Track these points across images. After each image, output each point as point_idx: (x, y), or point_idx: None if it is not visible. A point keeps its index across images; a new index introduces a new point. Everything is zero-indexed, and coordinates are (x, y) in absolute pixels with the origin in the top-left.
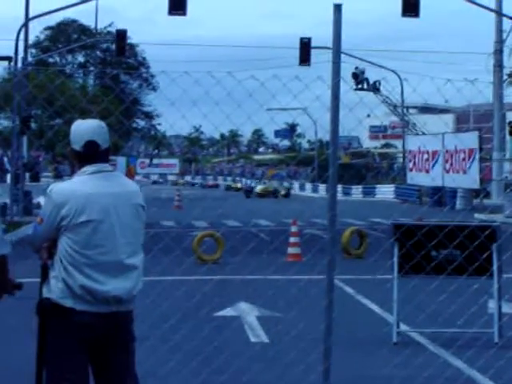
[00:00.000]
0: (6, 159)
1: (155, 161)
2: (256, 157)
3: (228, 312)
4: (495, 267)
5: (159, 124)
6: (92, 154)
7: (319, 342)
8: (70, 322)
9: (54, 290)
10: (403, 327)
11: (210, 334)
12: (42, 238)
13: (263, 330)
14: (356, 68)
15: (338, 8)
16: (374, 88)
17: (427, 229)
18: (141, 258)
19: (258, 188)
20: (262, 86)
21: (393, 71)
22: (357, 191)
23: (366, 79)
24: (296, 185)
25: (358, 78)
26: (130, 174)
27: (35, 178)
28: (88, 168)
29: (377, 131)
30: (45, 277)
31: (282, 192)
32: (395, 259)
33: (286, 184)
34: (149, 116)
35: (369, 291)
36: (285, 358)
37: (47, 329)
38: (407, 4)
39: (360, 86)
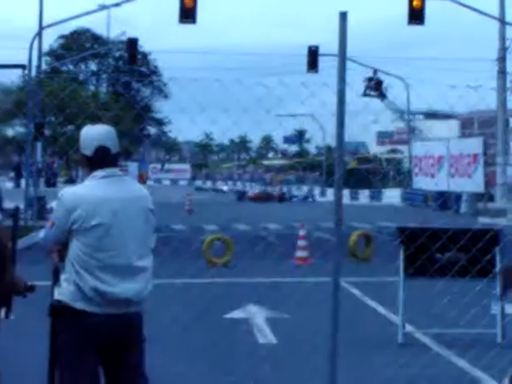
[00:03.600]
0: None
1: (167, 166)
2: (265, 162)
3: (237, 314)
4: (497, 269)
5: (170, 131)
6: (102, 158)
7: (326, 343)
8: (81, 324)
9: (65, 292)
10: (409, 328)
11: (220, 336)
12: (53, 241)
13: (272, 331)
14: (375, 73)
15: (343, 16)
16: (381, 94)
17: (432, 232)
18: (150, 260)
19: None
20: (271, 93)
21: (399, 78)
22: (363, 195)
23: (380, 82)
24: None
25: (372, 82)
26: (142, 179)
27: (50, 183)
28: (99, 173)
29: (383, 137)
30: (56, 279)
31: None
32: (401, 261)
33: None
34: (160, 123)
35: (375, 293)
36: (292, 360)
37: (59, 330)
38: (413, 12)
39: (367, 93)
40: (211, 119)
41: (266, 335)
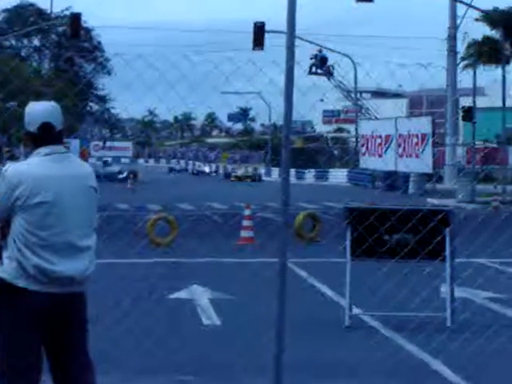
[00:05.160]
0: None
1: (108, 144)
2: (209, 140)
3: (181, 294)
4: (448, 252)
5: (113, 108)
6: (47, 135)
7: (271, 325)
8: (23, 302)
9: (7, 269)
10: (356, 311)
11: (164, 316)
12: None
13: (216, 312)
14: (319, 51)
15: None
16: (328, 72)
17: (380, 212)
18: (93, 239)
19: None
20: (217, 70)
21: (347, 56)
22: (310, 175)
23: (324, 60)
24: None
25: (317, 59)
26: (84, 156)
27: None
28: (43, 150)
29: (330, 116)
30: None
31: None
32: (348, 242)
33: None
34: (103, 99)
35: (321, 274)
36: (236, 341)
37: (0, 308)
38: None
39: (314, 71)
40: (157, 97)
41: (210, 316)
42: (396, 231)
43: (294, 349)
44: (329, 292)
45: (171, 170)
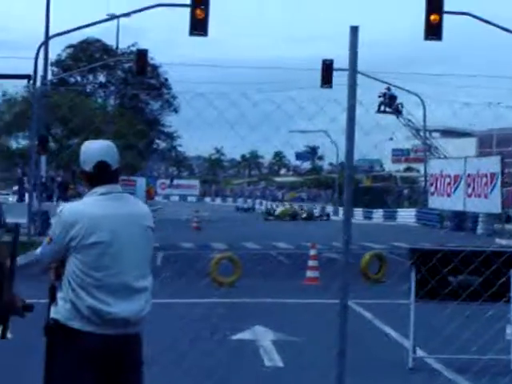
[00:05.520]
0: (25, 179)
1: (175, 182)
2: (277, 179)
3: (244, 335)
4: None
5: (180, 145)
6: (102, 174)
7: (333, 366)
8: (77, 344)
9: (61, 311)
10: (420, 353)
11: (225, 358)
12: (51, 257)
13: (278, 354)
14: (388, 89)
15: (354, 30)
16: (397, 111)
17: (444, 254)
18: (149, 280)
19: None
20: (281, 109)
21: (415, 94)
22: (377, 215)
23: (393, 98)
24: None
25: (385, 97)
26: (150, 194)
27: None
28: (98, 189)
29: (399, 154)
30: (53, 298)
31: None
32: (412, 283)
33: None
34: (170, 137)
35: (386, 316)
36: (298, 383)
37: (54, 350)
38: (430, 27)
39: (382, 109)
40: (222, 134)
41: (272, 358)
42: (459, 272)
43: None
44: (393, 333)
45: (238, 208)
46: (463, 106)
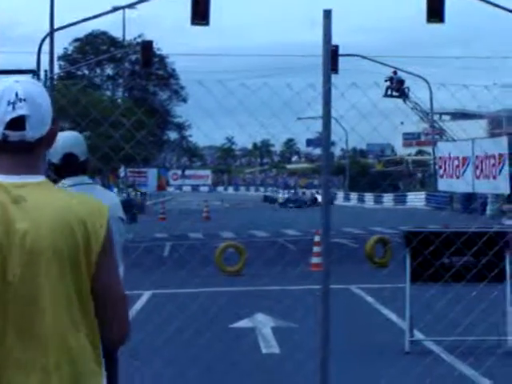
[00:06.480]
0: None
1: (187, 172)
2: (289, 166)
3: (244, 323)
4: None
5: (190, 136)
6: (70, 166)
7: (317, 351)
8: None
9: None
10: (419, 336)
11: (223, 347)
12: None
13: (277, 341)
14: (395, 73)
15: (327, 14)
16: (403, 94)
17: (437, 235)
18: (121, 269)
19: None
20: (297, 95)
21: (421, 77)
22: (388, 199)
23: (402, 83)
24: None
25: (392, 81)
26: (162, 185)
27: None
28: (66, 181)
29: (410, 138)
30: None
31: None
32: (407, 267)
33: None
34: (181, 127)
35: (388, 300)
36: (289, 370)
37: None
38: (432, 10)
39: (389, 93)
40: (237, 123)
41: (270, 345)
42: (456, 254)
43: (350, 373)
44: (394, 317)
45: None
46: (481, 89)
